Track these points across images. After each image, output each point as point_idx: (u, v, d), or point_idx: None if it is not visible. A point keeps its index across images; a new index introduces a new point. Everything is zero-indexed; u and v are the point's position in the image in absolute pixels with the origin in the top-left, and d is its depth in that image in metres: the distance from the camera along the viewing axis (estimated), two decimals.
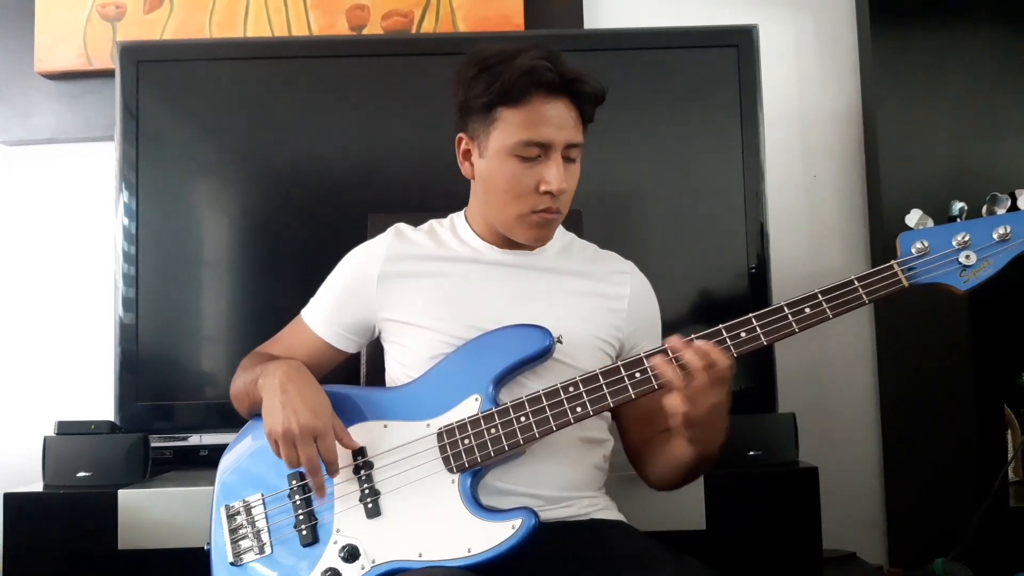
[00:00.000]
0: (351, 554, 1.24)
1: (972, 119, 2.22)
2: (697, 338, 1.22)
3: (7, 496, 1.66)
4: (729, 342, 1.22)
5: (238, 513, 1.32)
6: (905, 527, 2.18)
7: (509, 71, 1.29)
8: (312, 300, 1.46)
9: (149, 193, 1.94)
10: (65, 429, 1.75)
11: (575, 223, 1.56)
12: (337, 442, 1.27)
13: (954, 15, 2.25)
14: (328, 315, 1.43)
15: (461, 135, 1.39)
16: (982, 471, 1.99)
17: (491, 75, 1.31)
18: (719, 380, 1.19)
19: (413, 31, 2.31)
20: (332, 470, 1.25)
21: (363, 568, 1.23)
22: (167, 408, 1.92)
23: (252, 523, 1.31)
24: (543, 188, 1.31)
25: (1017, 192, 1.23)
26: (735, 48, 1.97)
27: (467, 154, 1.39)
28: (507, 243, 1.41)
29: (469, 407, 1.27)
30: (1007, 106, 2.23)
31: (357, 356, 1.50)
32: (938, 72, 2.23)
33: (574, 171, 1.36)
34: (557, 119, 1.31)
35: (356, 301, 1.41)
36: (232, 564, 1.30)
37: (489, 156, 1.34)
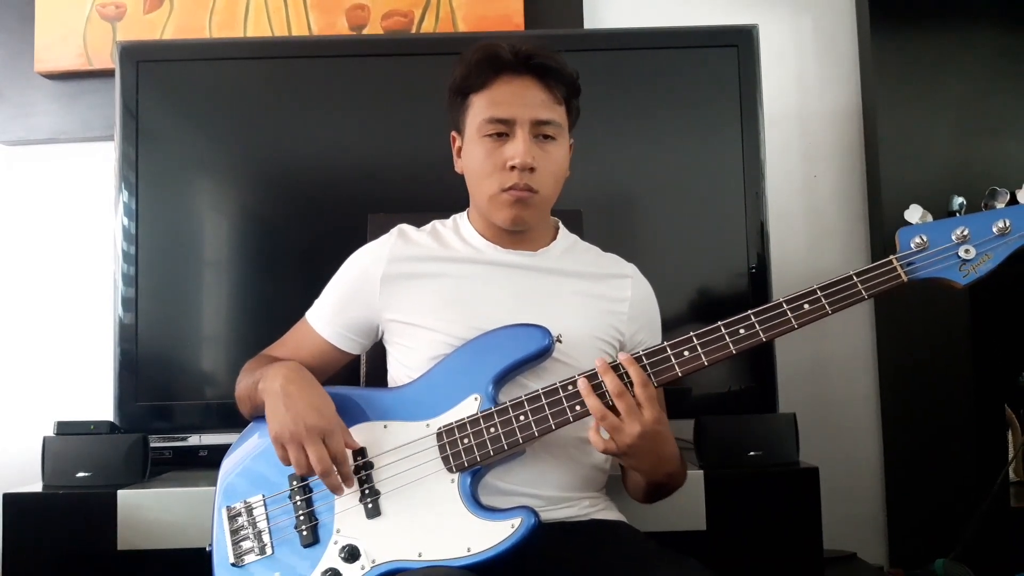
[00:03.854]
0: (351, 554, 1.24)
1: (972, 119, 2.23)
2: (649, 351, 1.23)
3: (6, 496, 1.65)
4: (728, 339, 1.22)
5: (239, 514, 1.32)
6: (906, 527, 2.18)
7: (470, 58, 1.36)
8: (316, 302, 1.46)
9: (149, 193, 1.94)
10: (64, 429, 1.74)
11: (575, 224, 1.55)
12: None
13: (954, 15, 2.26)
14: (332, 317, 1.43)
15: (453, 133, 1.44)
16: (982, 471, 1.99)
17: (460, 67, 1.38)
18: (633, 409, 1.19)
19: (413, 31, 2.31)
20: (344, 471, 1.24)
21: (363, 568, 1.23)
22: (166, 408, 1.92)
23: (253, 524, 1.31)
24: (508, 163, 1.33)
25: (1017, 192, 1.23)
26: (735, 48, 1.96)
27: (459, 151, 1.43)
28: (510, 242, 1.41)
29: (469, 407, 1.27)
30: (1007, 106, 2.23)
31: (357, 356, 1.50)
32: (938, 72, 2.23)
33: (551, 150, 1.36)
34: (521, 96, 1.34)
35: (360, 302, 1.41)
36: (233, 565, 1.30)
37: (466, 143, 1.40)
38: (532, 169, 1.33)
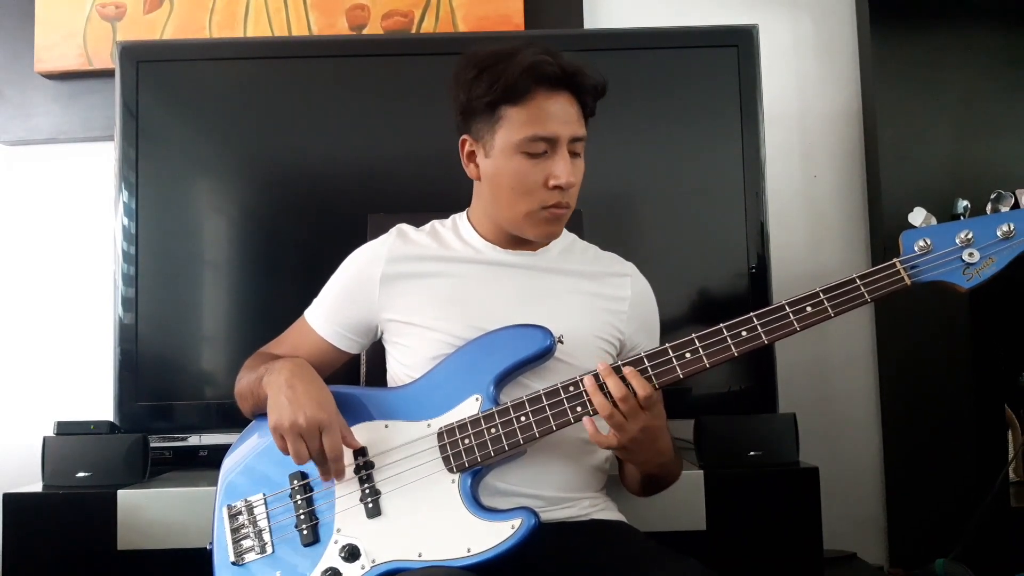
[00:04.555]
0: (351, 554, 1.24)
1: (972, 119, 2.23)
2: (650, 352, 1.23)
3: (6, 496, 1.65)
4: (730, 341, 1.22)
5: (240, 513, 1.32)
6: (906, 527, 2.18)
7: (510, 69, 1.30)
8: (315, 301, 1.46)
9: (149, 193, 1.94)
10: (64, 429, 1.74)
11: (575, 223, 1.55)
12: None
13: (954, 15, 2.25)
14: (330, 316, 1.43)
15: (465, 137, 1.39)
16: (982, 471, 1.99)
17: (492, 74, 1.31)
18: (636, 411, 1.20)
19: (413, 31, 2.31)
20: (337, 468, 1.25)
21: (363, 568, 1.23)
22: (166, 408, 1.92)
23: (254, 523, 1.31)
24: (552, 183, 1.31)
25: (1018, 192, 1.23)
26: (735, 48, 1.97)
27: (472, 156, 1.39)
28: (509, 243, 1.41)
29: (470, 407, 1.27)
30: (1007, 106, 2.23)
31: (357, 356, 1.50)
32: (938, 72, 2.23)
33: (580, 165, 1.36)
34: (561, 113, 1.31)
35: (358, 302, 1.41)
36: (234, 563, 1.30)
37: (495, 155, 1.34)
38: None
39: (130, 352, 1.89)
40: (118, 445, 1.73)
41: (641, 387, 1.20)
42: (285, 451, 1.25)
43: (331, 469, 1.25)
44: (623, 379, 1.21)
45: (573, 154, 1.34)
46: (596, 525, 1.34)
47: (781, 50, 2.33)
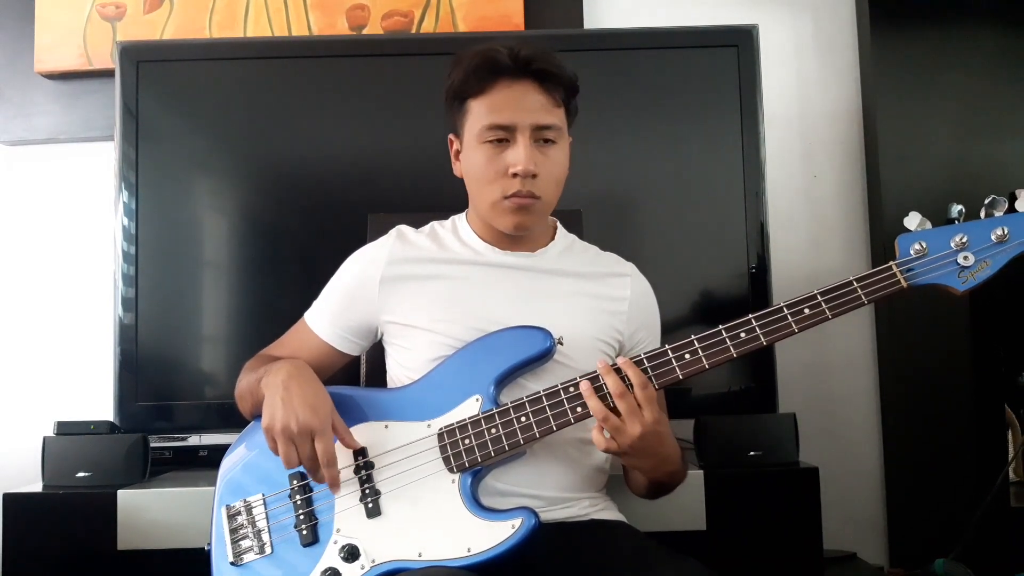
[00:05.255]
0: (351, 554, 1.24)
1: (972, 119, 2.23)
2: (650, 353, 1.24)
3: (6, 496, 1.65)
4: (729, 342, 1.22)
5: (239, 513, 1.32)
6: (905, 527, 2.18)
7: (468, 62, 1.34)
8: (315, 303, 1.46)
9: (149, 193, 1.94)
10: (64, 429, 1.74)
11: (575, 223, 1.55)
12: (339, 442, 1.27)
13: (954, 15, 2.26)
14: (331, 318, 1.43)
15: (451, 136, 1.43)
16: (982, 471, 1.99)
17: (457, 70, 1.36)
18: (634, 410, 1.20)
19: (413, 31, 2.31)
20: (331, 474, 1.24)
21: (363, 568, 1.23)
22: (166, 408, 1.92)
23: (253, 523, 1.31)
24: (511, 171, 1.32)
25: (1017, 192, 1.23)
26: (735, 48, 1.97)
27: (457, 154, 1.42)
28: (508, 244, 1.41)
29: (470, 407, 1.27)
30: (1007, 106, 2.23)
31: (357, 357, 1.50)
32: (938, 72, 2.23)
33: (552, 155, 1.36)
34: (521, 101, 1.33)
35: (358, 304, 1.41)
36: (232, 564, 1.30)
37: (465, 148, 1.38)
38: (534, 175, 1.33)
39: (130, 352, 1.89)
40: (118, 445, 1.73)
41: (636, 377, 1.20)
42: (276, 452, 1.25)
43: (323, 476, 1.24)
44: (623, 378, 1.21)
45: (544, 141, 1.34)
46: (596, 525, 1.34)
47: (781, 50, 2.33)
